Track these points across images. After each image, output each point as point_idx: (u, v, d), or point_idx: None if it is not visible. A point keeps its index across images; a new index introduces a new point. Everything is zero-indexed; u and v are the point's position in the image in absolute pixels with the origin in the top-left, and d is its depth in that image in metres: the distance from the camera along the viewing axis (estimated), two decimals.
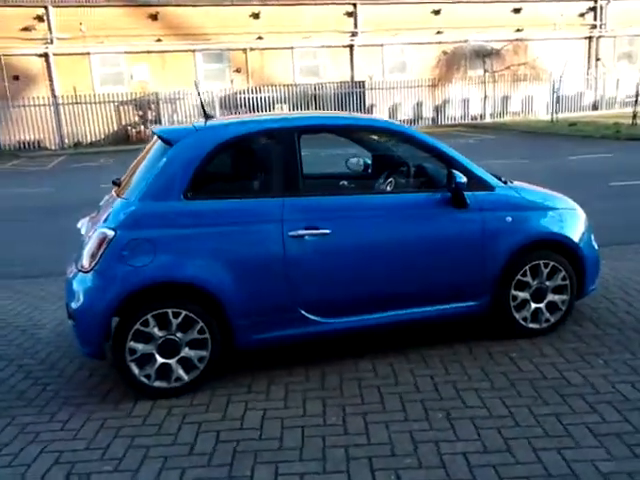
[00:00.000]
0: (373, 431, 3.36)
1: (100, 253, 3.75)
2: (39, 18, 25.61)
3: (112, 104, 25.31)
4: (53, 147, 24.82)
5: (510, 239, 4.32)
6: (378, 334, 4.56)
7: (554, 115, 24.96)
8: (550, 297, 4.49)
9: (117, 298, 3.70)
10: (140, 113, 25.20)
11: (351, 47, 27.70)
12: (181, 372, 3.87)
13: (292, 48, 27.01)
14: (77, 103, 24.47)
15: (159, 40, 25.98)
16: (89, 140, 25.16)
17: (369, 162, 5.36)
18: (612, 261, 6.14)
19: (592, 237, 4.75)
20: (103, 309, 3.71)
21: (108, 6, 25.22)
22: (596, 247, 4.79)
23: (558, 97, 25.75)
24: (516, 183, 4.73)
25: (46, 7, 25.25)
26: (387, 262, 4.13)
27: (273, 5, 26.42)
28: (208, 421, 3.56)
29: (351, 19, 27.50)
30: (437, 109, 28.08)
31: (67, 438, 3.45)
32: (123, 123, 25.61)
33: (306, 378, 4.05)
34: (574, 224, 4.59)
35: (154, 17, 25.79)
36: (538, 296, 4.46)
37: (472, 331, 4.62)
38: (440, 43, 28.13)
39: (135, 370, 3.80)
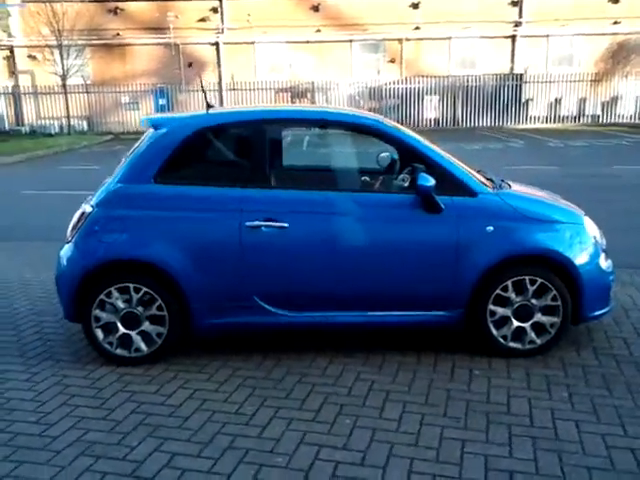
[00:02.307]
0: (272, 425, 3.37)
1: (78, 227, 4.14)
2: (214, 10, 27.72)
3: (271, 91, 26.69)
4: None
5: (489, 250, 4.00)
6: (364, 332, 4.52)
7: None
8: (537, 317, 4.10)
9: (85, 269, 4.06)
10: (291, 100, 26.27)
11: (513, 38, 26.43)
12: (141, 344, 4.14)
13: (449, 38, 26.41)
14: (235, 89, 26.07)
15: (318, 31, 26.80)
16: None
17: (396, 158, 5.22)
18: None
19: (601, 257, 4.22)
20: (73, 277, 4.09)
21: None
22: (606, 269, 4.24)
23: None
24: (515, 188, 4.36)
25: None
26: (347, 261, 4.04)
27: None
28: (141, 392, 3.79)
29: (515, 8, 26.21)
30: (604, 106, 25.84)
31: (23, 388, 3.88)
32: None
33: (257, 366, 4.13)
34: (573, 240, 4.11)
35: (316, 8, 26.68)
36: (522, 314, 4.09)
37: (457, 342, 4.38)
38: (615, 34, 25.78)
39: (100, 336, 4.15)
